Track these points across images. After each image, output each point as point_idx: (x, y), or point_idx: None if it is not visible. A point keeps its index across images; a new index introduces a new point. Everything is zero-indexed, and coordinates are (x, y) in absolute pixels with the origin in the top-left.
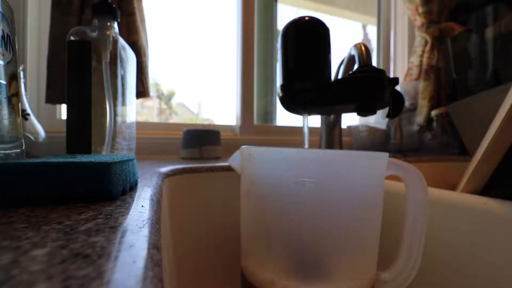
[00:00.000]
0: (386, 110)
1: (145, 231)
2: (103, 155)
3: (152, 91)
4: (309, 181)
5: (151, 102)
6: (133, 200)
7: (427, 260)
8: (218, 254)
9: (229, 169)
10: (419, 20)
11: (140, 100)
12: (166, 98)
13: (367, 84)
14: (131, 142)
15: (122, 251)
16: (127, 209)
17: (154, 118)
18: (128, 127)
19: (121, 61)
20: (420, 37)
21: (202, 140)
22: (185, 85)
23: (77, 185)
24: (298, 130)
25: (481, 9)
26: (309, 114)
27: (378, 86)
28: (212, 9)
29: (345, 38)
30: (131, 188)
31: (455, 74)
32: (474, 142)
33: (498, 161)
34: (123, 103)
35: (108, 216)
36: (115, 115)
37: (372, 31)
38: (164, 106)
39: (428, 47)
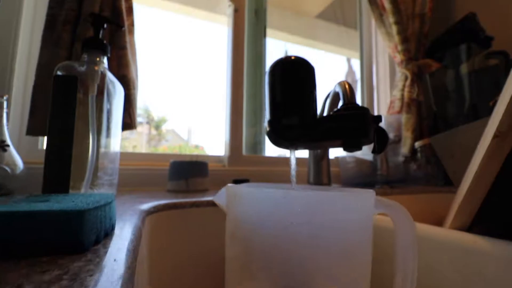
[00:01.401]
0: (372, 145)
1: None
2: (79, 196)
3: (142, 118)
4: (297, 222)
5: (141, 128)
6: (106, 252)
7: None
8: None
9: (215, 203)
10: (398, 57)
11: None
12: (156, 124)
13: (352, 122)
14: (113, 177)
15: None
16: (98, 264)
17: (144, 145)
18: (111, 161)
19: (108, 95)
20: (401, 72)
21: (188, 172)
22: (175, 112)
23: (44, 236)
24: (287, 161)
25: (455, 47)
26: (296, 149)
27: (362, 123)
28: (205, 40)
29: (331, 69)
30: (106, 234)
31: (435, 107)
32: (457, 173)
33: (483, 196)
34: (108, 136)
35: (74, 277)
36: (98, 149)
37: (356, 64)
38: (154, 132)
39: (408, 82)
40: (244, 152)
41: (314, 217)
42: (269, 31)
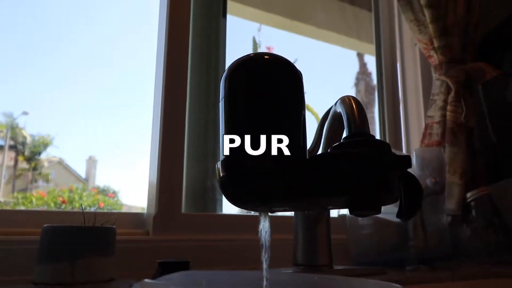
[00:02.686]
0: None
1: None
2: None
3: (1, 139)
4: None
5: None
6: None
7: None
8: None
9: None
10: (435, 58)
11: None
12: (31, 152)
13: (360, 165)
14: None
15: None
16: None
17: (1, 188)
18: None
19: None
20: (439, 81)
21: (77, 247)
22: (68, 128)
23: None
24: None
25: None
26: (272, 212)
27: (378, 168)
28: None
29: (332, 71)
30: None
31: (495, 136)
32: None
33: None
34: None
35: None
36: None
37: (372, 62)
38: (23, 164)
39: (452, 96)
40: (184, 207)
41: None
42: (232, 6)
